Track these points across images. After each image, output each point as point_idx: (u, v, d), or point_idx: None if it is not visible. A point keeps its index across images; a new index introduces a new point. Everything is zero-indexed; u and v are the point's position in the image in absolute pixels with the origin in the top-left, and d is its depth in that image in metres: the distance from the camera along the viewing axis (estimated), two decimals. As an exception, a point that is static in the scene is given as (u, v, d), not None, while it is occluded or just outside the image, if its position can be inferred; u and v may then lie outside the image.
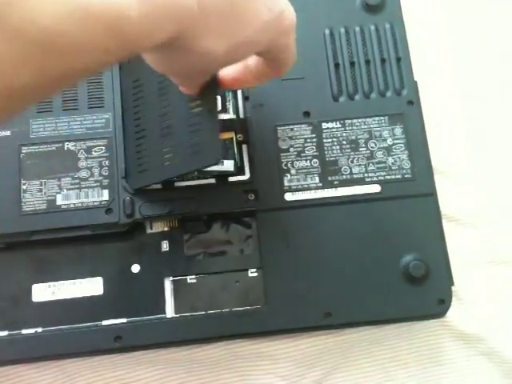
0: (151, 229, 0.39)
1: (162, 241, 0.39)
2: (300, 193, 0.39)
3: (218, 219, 0.39)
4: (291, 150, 0.39)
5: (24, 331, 0.37)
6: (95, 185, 0.38)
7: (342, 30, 0.41)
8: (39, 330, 0.37)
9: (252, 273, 0.38)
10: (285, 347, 0.38)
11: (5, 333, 0.37)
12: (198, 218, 0.39)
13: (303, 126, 0.40)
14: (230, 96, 0.41)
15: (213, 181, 0.39)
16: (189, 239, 0.39)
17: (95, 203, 0.38)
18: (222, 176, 0.39)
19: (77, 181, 0.38)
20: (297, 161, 0.39)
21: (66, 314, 0.37)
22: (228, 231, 0.39)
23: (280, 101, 0.40)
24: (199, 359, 0.39)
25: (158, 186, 0.39)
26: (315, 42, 0.41)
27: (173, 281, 0.38)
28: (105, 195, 0.38)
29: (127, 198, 0.38)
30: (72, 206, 0.38)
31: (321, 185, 0.39)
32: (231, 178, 0.39)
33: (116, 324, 0.37)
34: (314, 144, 0.40)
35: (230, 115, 0.40)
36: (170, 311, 0.38)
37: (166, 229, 0.39)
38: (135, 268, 0.38)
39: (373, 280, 0.37)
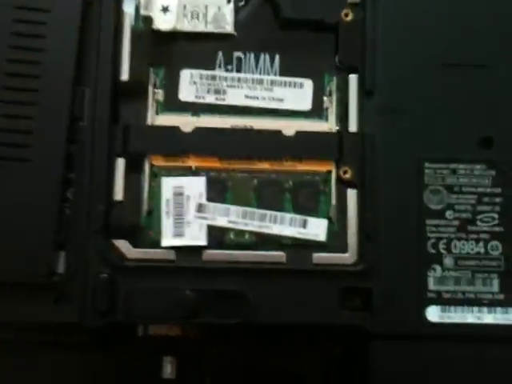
0: (145, 331, 0.20)
1: (163, 357, 0.20)
2: (459, 309, 0.19)
3: (277, 329, 0.20)
4: (449, 215, 0.19)
5: None
6: None
7: None
8: None
9: None
10: None
11: None
12: (248, 326, 0.19)
13: (478, 165, 0.19)
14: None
15: (283, 259, 0.19)
16: (216, 359, 0.20)
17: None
18: (301, 247, 0.19)
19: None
20: (458, 240, 0.19)
21: None
22: (293, 356, 0.20)
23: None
24: None
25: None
26: None
27: None
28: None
29: (104, 275, 0.18)
30: None
31: (502, 298, 0.19)
32: (319, 256, 0.19)
33: None
34: (497, 204, 0.19)
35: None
36: None
37: (171, 333, 0.20)
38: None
39: None
